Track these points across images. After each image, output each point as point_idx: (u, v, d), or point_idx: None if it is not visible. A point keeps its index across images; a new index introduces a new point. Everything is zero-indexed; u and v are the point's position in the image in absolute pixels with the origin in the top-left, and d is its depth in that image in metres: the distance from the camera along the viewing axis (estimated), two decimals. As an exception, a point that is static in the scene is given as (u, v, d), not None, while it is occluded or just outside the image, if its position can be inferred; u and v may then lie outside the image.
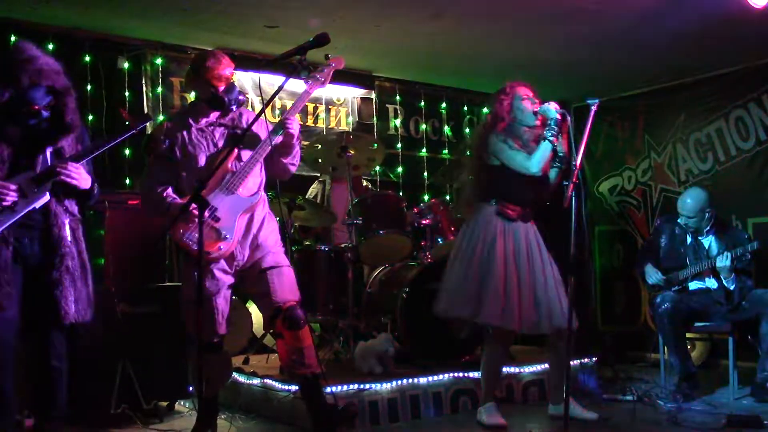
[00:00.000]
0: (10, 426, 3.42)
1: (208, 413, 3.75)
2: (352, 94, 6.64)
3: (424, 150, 7.05)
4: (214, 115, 3.77)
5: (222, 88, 3.71)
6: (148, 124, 4.16)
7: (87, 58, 5.38)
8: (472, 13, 5.14)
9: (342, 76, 6.38)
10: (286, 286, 3.71)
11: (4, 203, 3.29)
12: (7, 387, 3.38)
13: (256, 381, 4.56)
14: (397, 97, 6.92)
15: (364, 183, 6.10)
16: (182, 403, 4.69)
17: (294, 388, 4.20)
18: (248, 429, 4.19)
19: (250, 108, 5.99)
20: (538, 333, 4.07)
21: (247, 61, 5.88)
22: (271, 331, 3.88)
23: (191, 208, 3.39)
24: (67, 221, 3.50)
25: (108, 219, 4.38)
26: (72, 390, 3.69)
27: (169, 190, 3.68)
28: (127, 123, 3.57)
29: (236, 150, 3.66)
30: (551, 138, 3.98)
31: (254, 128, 3.75)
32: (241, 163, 3.67)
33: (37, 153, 3.45)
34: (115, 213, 4.40)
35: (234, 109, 3.80)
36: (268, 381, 4.46)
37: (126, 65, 5.57)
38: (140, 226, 4.53)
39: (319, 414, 3.73)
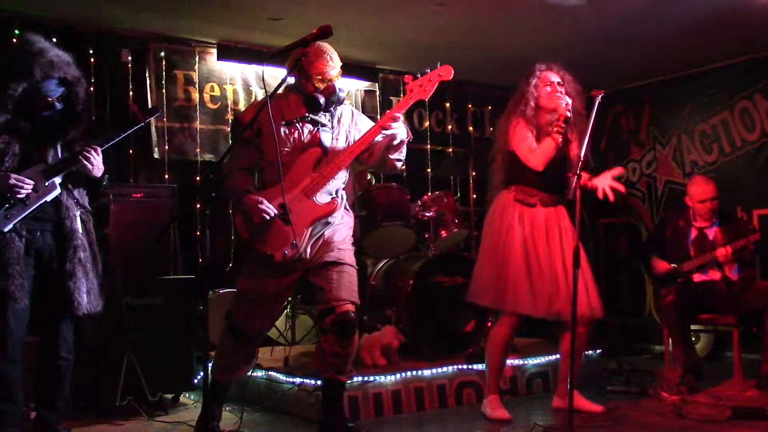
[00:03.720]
0: (17, 417, 3.44)
1: (215, 402, 3.75)
2: (356, 86, 6.62)
3: (428, 143, 7.04)
4: (305, 110, 3.60)
5: (322, 88, 3.57)
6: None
7: (91, 52, 5.37)
8: (476, 4, 5.12)
9: (345, 69, 6.35)
10: (344, 285, 3.56)
11: (18, 196, 3.32)
12: (15, 378, 3.41)
13: (260, 373, 4.57)
14: (401, 90, 6.90)
15: (368, 176, 6.08)
16: (187, 395, 4.70)
17: (298, 380, 4.22)
18: (253, 421, 4.20)
19: (253, 101, 6.00)
20: (558, 320, 4.05)
21: (250, 54, 5.88)
22: (319, 325, 3.81)
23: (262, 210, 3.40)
24: (78, 213, 3.54)
25: (113, 212, 4.39)
26: (78, 382, 3.72)
27: (249, 181, 3.60)
28: (136, 115, 3.60)
29: (321, 152, 3.54)
30: (556, 135, 3.96)
31: (346, 128, 3.67)
32: (325, 167, 3.52)
33: (47, 146, 3.48)
34: (119, 206, 4.42)
35: (332, 110, 3.66)
36: (273, 373, 4.48)
37: (130, 58, 5.57)
38: (145, 219, 4.54)
39: (330, 418, 3.65)
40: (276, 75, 5.73)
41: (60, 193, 3.47)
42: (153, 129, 5.60)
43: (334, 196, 3.61)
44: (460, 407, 4.48)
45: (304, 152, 3.56)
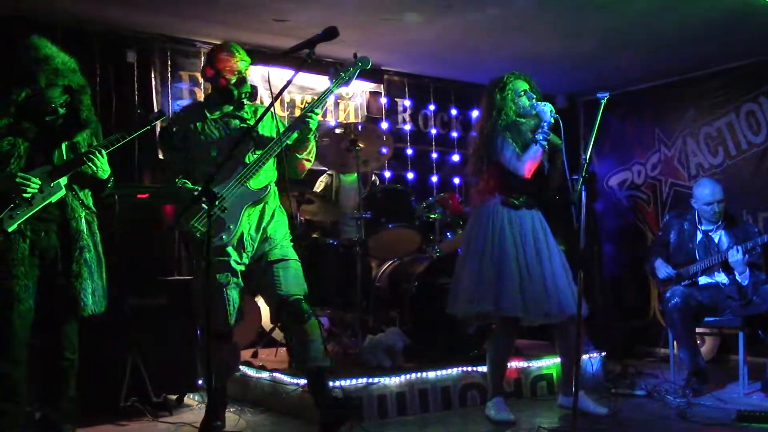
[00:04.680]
0: (22, 418, 3.45)
1: (216, 405, 3.76)
2: (361, 88, 6.62)
3: (433, 144, 7.03)
4: (227, 107, 3.81)
5: (233, 81, 3.76)
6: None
7: (95, 52, 5.37)
8: (482, 5, 5.12)
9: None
10: (291, 279, 3.72)
11: (24, 195, 3.33)
12: (20, 379, 3.41)
13: (265, 374, 4.57)
14: (407, 92, 6.90)
15: (372, 177, 6.08)
16: (191, 396, 4.70)
17: (303, 381, 4.21)
18: (257, 422, 4.20)
19: (259, 101, 6.00)
20: (549, 322, 4.07)
21: (256, 55, 5.84)
22: (279, 324, 3.91)
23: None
24: (83, 214, 3.55)
25: (118, 212, 4.39)
26: (82, 382, 3.72)
27: (183, 178, 3.75)
28: (142, 117, 3.63)
29: (251, 143, 3.70)
30: (543, 142, 3.98)
31: (267, 123, 3.80)
32: (255, 156, 3.71)
33: (52, 148, 3.49)
34: (124, 206, 4.42)
35: (246, 103, 3.85)
36: (277, 374, 4.48)
37: (135, 59, 5.57)
38: (149, 220, 4.54)
39: (325, 408, 3.73)
40: (282, 76, 5.71)
41: (65, 194, 3.49)
42: (158, 130, 5.59)
43: (267, 184, 3.77)
44: (464, 409, 4.48)
45: (233, 145, 3.64)
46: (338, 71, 3.85)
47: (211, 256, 3.39)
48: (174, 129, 3.83)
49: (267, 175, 3.80)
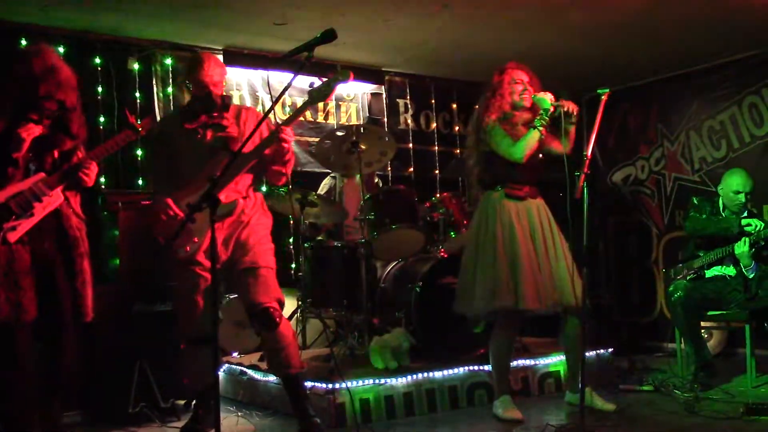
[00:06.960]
0: (28, 427, 3.46)
1: (202, 409, 3.82)
2: (362, 89, 6.63)
3: (435, 144, 7.04)
4: (204, 116, 3.77)
5: (207, 91, 3.75)
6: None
7: (97, 60, 5.41)
8: (481, 4, 5.12)
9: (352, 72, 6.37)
10: (260, 287, 3.68)
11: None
12: (27, 388, 3.42)
13: (272, 378, 4.57)
14: (408, 92, 6.91)
15: (375, 180, 6.08)
16: (199, 401, 4.71)
17: (309, 384, 4.22)
18: (265, 425, 4.21)
19: (260, 106, 6.02)
20: (554, 311, 4.07)
21: (256, 59, 5.89)
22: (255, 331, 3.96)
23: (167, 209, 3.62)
24: (75, 223, 3.55)
25: (121, 219, 4.41)
26: (90, 389, 3.73)
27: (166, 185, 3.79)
28: (137, 128, 3.61)
29: (226, 154, 3.63)
30: (540, 128, 4.00)
31: (250, 130, 3.72)
32: (229, 168, 3.55)
33: (46, 156, 3.49)
34: (128, 213, 4.43)
35: (216, 114, 3.77)
36: (284, 377, 4.48)
37: (136, 66, 5.59)
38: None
39: (300, 415, 3.79)
40: (282, 80, 5.74)
41: (61, 203, 3.49)
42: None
43: (246, 195, 3.76)
44: (471, 408, 4.48)
45: (211, 154, 3.70)
46: (315, 86, 3.72)
47: (174, 264, 3.45)
48: (156, 137, 3.90)
49: (243, 183, 3.76)
